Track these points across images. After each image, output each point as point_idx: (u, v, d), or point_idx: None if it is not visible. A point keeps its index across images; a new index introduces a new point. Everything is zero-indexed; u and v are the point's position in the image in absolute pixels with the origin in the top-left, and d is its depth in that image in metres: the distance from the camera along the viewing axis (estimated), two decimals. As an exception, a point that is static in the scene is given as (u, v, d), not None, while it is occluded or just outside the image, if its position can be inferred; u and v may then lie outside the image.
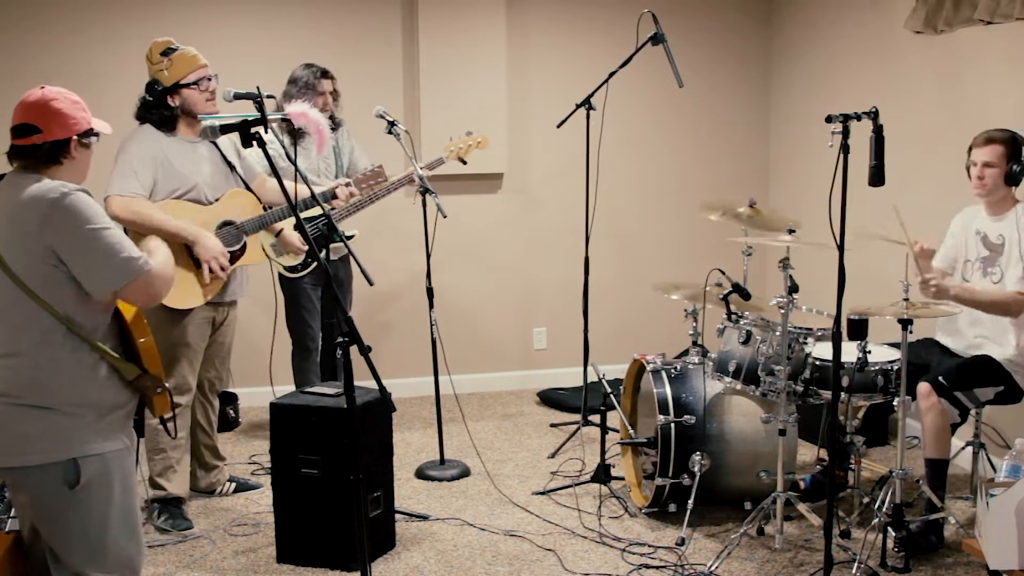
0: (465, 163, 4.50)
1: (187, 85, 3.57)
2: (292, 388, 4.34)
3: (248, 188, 3.83)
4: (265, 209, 3.84)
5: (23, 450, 2.28)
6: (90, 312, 2.34)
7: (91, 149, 2.43)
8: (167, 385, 2.48)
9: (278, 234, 4.09)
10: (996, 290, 3.55)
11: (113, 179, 3.48)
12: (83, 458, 2.31)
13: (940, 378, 3.48)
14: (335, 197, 4.04)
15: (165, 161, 3.55)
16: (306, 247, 4.29)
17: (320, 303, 4.61)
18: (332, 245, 4.48)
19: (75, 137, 2.36)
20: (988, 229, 3.66)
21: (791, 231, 3.59)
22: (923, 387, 3.49)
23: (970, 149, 3.66)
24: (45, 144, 2.32)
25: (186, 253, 3.58)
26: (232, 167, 3.79)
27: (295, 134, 4.36)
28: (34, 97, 2.35)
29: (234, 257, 3.72)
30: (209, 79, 3.63)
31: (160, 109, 3.57)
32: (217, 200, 3.71)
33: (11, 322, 2.30)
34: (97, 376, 2.34)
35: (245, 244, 3.76)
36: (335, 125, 4.65)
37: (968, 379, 3.51)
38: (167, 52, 3.56)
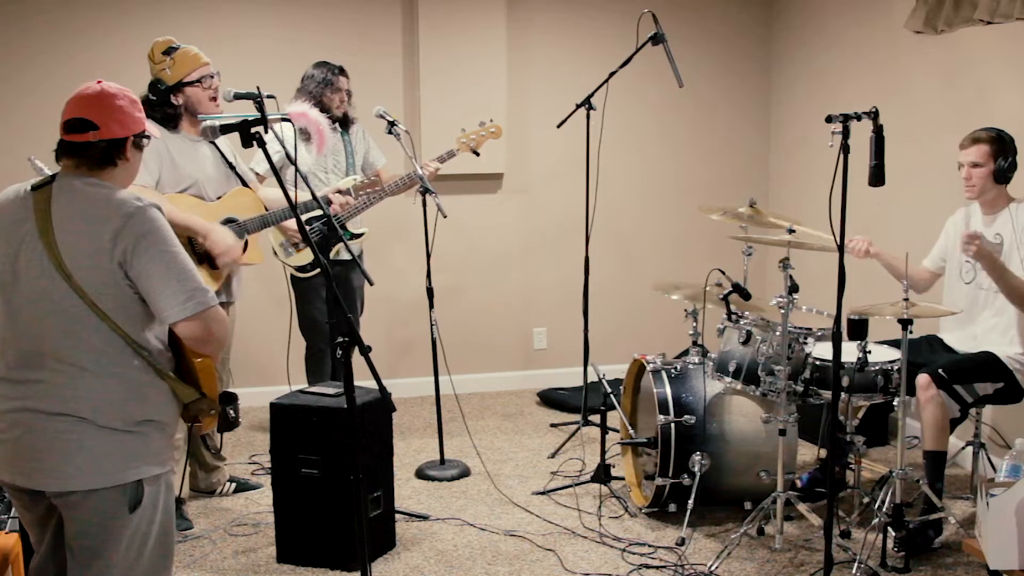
0: (478, 154, 4.44)
1: (190, 83, 3.57)
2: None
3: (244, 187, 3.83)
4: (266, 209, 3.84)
5: (92, 471, 2.15)
6: (153, 333, 2.24)
7: (143, 149, 2.30)
8: (221, 408, 2.38)
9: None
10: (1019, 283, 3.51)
11: None
12: (147, 479, 2.22)
13: (940, 370, 3.49)
14: (330, 204, 4.03)
15: (169, 157, 3.55)
16: (300, 238, 4.28)
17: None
18: (344, 244, 4.47)
19: (132, 137, 2.23)
20: (984, 229, 3.66)
21: (791, 231, 3.59)
22: (922, 379, 3.49)
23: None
24: (101, 142, 2.17)
25: (187, 246, 3.57)
26: (232, 167, 3.79)
27: (305, 134, 4.36)
28: (92, 91, 2.21)
29: None
30: (212, 76, 3.63)
31: (164, 107, 3.57)
32: (220, 198, 3.71)
33: (77, 336, 2.16)
34: (160, 395, 2.24)
35: (246, 243, 3.76)
36: (348, 123, 4.64)
37: (968, 373, 3.52)
38: (169, 51, 3.56)
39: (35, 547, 2.41)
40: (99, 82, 2.25)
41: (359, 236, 4.56)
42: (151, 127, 3.56)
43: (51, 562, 2.36)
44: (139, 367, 2.20)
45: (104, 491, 2.17)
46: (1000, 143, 3.56)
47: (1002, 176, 3.57)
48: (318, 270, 4.44)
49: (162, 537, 2.31)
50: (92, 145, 2.18)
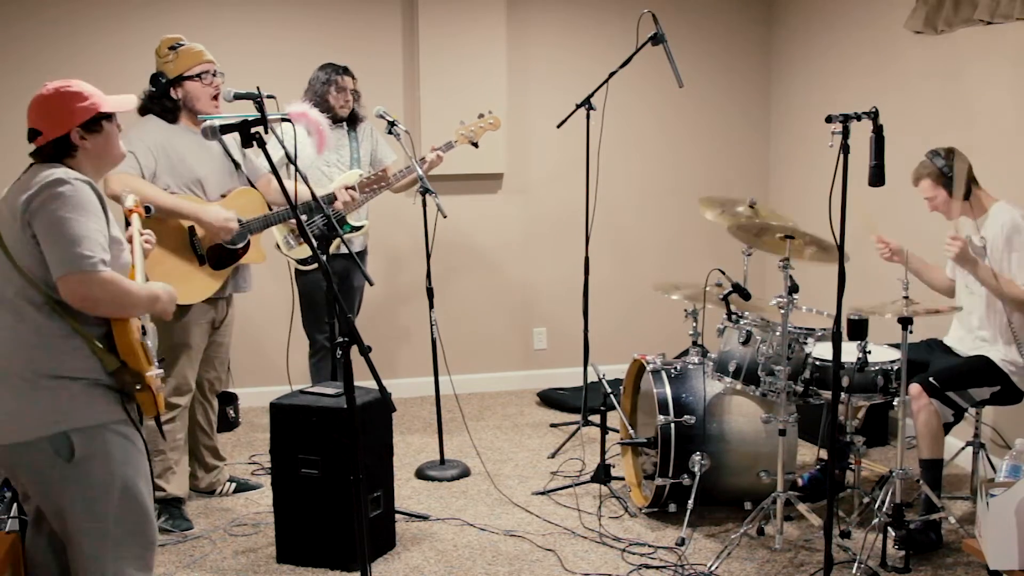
0: (477, 146, 4.41)
1: (190, 77, 3.59)
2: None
3: (252, 186, 3.82)
4: (271, 208, 3.84)
5: (11, 426, 2.28)
6: None
7: (105, 131, 2.43)
8: (151, 385, 2.40)
9: None
10: (1017, 287, 3.50)
11: None
12: (75, 431, 2.29)
13: (931, 379, 3.49)
14: (335, 200, 4.04)
15: (170, 150, 3.55)
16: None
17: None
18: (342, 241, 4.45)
19: (75, 128, 2.37)
20: (972, 233, 3.69)
21: (790, 237, 3.59)
22: (914, 388, 3.49)
23: None
24: (47, 145, 2.38)
25: (189, 249, 3.57)
26: (237, 165, 3.79)
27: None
28: (33, 99, 2.40)
29: (236, 255, 3.72)
30: (214, 75, 3.64)
31: (162, 100, 3.60)
32: (223, 196, 3.71)
33: (2, 295, 2.32)
34: (80, 354, 2.32)
35: (248, 243, 3.76)
36: (356, 122, 4.62)
37: (962, 379, 3.51)
38: (175, 47, 3.61)
39: (29, 521, 2.52)
40: (44, 84, 2.42)
41: (359, 228, 4.54)
42: (153, 121, 3.58)
43: (37, 536, 2.49)
44: (58, 323, 2.31)
45: (28, 445, 2.28)
46: (938, 171, 3.59)
47: (960, 192, 3.59)
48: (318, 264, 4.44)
49: (127, 492, 2.36)
50: (43, 148, 2.40)
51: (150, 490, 2.46)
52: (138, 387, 2.37)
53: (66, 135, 2.37)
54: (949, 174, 3.57)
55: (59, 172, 2.31)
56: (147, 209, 2.78)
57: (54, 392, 2.29)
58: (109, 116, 2.44)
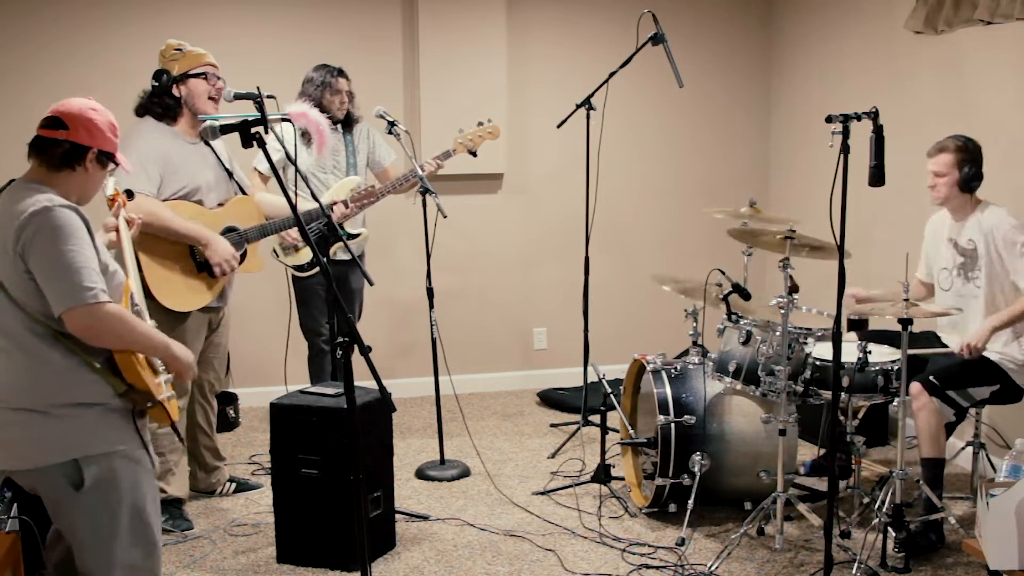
0: (475, 155, 4.37)
1: (195, 75, 3.59)
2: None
3: (244, 195, 3.83)
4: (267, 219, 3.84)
5: (25, 453, 2.30)
6: None
7: (105, 172, 2.46)
8: (160, 400, 2.42)
9: None
10: (1020, 303, 3.50)
11: (121, 178, 3.46)
12: (85, 459, 2.30)
13: (931, 378, 3.48)
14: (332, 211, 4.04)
15: (169, 159, 3.55)
16: (299, 240, 4.26)
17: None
18: (342, 245, 4.45)
19: (96, 149, 2.38)
20: (957, 235, 3.67)
21: (790, 236, 3.59)
22: (914, 387, 3.49)
23: None
24: (66, 143, 2.34)
25: (189, 256, 3.58)
26: (231, 174, 3.80)
27: (306, 135, 4.33)
28: (76, 101, 2.39)
29: None
30: (218, 77, 3.64)
31: (164, 97, 3.59)
32: (221, 205, 3.71)
33: (2, 326, 2.30)
34: (90, 379, 2.32)
35: (246, 252, 3.76)
36: (352, 123, 4.61)
37: (961, 378, 3.51)
38: (181, 48, 3.62)
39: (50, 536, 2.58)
40: (88, 97, 2.42)
41: (356, 236, 4.54)
42: (151, 126, 3.58)
43: (58, 541, 2.53)
44: (63, 353, 2.30)
45: (40, 471, 2.30)
46: (965, 152, 3.56)
47: (966, 185, 3.58)
48: (316, 269, 4.43)
49: (136, 517, 2.38)
50: (58, 144, 2.35)
51: (158, 514, 2.48)
52: (149, 404, 2.39)
53: (87, 148, 2.37)
54: (972, 163, 3.55)
55: (43, 199, 2.27)
56: (128, 193, 2.78)
57: (67, 420, 2.29)
58: (116, 163, 2.46)
